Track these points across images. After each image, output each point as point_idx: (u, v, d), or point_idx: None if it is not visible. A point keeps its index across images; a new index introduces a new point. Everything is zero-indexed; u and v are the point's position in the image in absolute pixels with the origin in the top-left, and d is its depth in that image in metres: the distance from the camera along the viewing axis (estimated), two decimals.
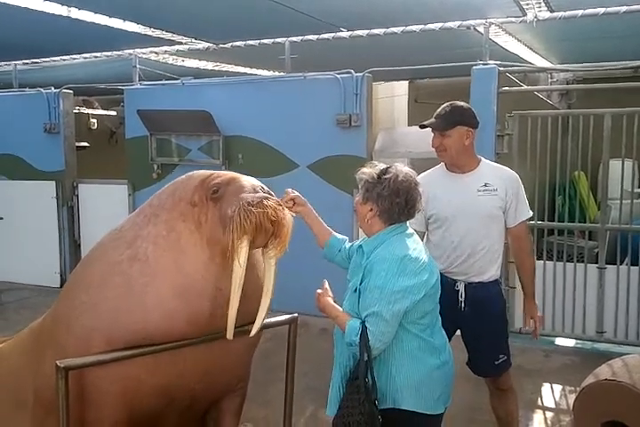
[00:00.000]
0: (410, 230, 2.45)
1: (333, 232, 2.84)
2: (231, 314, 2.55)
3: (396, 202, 2.35)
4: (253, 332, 2.66)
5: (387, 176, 2.38)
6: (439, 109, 3.11)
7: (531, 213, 3.24)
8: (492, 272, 3.10)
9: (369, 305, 2.24)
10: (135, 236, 2.70)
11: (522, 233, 3.20)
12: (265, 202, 2.49)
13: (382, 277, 2.23)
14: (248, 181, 2.65)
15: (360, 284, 2.32)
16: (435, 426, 2.42)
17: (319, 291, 2.49)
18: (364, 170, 2.45)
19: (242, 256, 2.51)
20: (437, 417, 2.38)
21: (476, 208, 3.03)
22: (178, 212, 2.67)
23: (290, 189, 2.74)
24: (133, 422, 2.75)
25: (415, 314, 2.28)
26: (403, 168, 2.43)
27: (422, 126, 3.12)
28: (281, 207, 2.55)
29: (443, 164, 3.19)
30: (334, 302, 2.44)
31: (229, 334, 2.57)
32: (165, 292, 2.58)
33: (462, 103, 3.17)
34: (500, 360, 3.12)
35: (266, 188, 2.63)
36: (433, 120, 3.08)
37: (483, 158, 3.18)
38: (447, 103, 3.14)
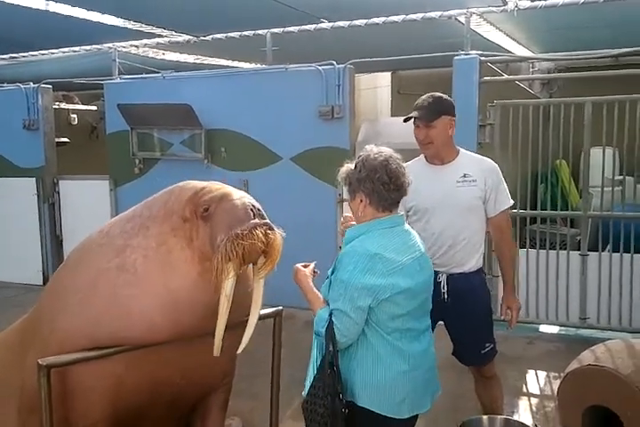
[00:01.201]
0: (403, 228, 2.37)
1: None
2: (217, 336, 2.54)
3: (377, 178, 2.27)
4: (240, 349, 2.66)
5: (359, 159, 2.34)
6: (419, 101, 3.08)
7: (511, 202, 3.23)
8: (472, 263, 3.10)
9: (334, 299, 2.23)
10: (124, 244, 2.67)
11: (502, 223, 3.19)
12: (254, 231, 2.42)
13: (349, 271, 2.19)
14: (240, 199, 2.56)
15: (331, 274, 2.29)
16: None
17: (299, 266, 2.44)
18: (342, 169, 2.41)
19: (227, 288, 2.48)
20: (401, 422, 2.28)
21: (456, 199, 3.03)
22: (169, 226, 2.64)
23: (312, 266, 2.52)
24: (118, 417, 2.74)
25: (381, 315, 2.22)
26: (373, 148, 2.38)
27: (407, 119, 3.09)
28: (271, 231, 2.49)
29: (422, 156, 3.18)
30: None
31: (216, 352, 2.56)
32: (152, 307, 2.56)
33: (441, 94, 3.15)
34: (486, 349, 3.14)
35: (257, 205, 2.56)
36: (417, 112, 3.04)
37: (461, 149, 3.18)
38: (427, 95, 3.12)
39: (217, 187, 2.70)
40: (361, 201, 2.33)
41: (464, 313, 3.08)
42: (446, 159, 3.10)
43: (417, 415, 2.35)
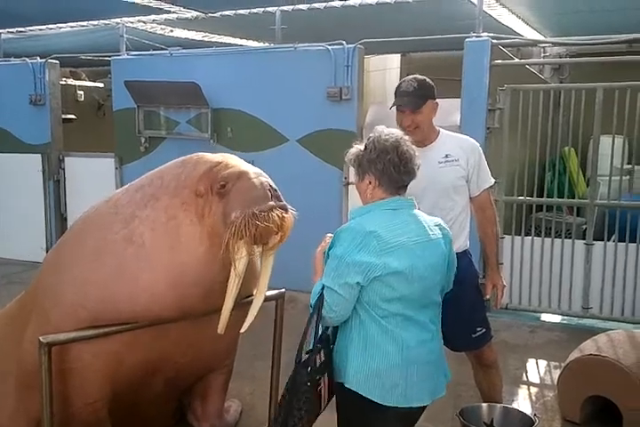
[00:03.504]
0: (410, 211, 2.32)
1: None
2: (224, 314, 2.54)
3: (388, 159, 2.25)
4: (244, 328, 2.66)
5: (370, 140, 2.32)
6: (404, 86, 3.04)
7: (493, 180, 3.23)
8: (460, 243, 3.05)
9: (326, 273, 2.21)
10: (132, 215, 2.65)
11: (485, 202, 3.18)
12: (271, 214, 2.43)
13: (343, 247, 2.17)
14: (257, 178, 2.55)
15: (329, 249, 2.27)
16: (381, 417, 2.24)
17: (322, 243, 2.40)
18: (351, 150, 2.39)
19: (240, 267, 2.49)
20: (389, 410, 2.22)
21: (440, 180, 3.00)
22: (180, 199, 2.62)
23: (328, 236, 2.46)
24: (116, 395, 2.75)
25: (373, 295, 2.19)
26: (384, 129, 2.36)
27: (399, 108, 3.04)
28: (287, 215, 2.49)
29: None
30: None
31: (221, 329, 2.56)
32: (158, 280, 2.57)
33: (422, 76, 3.12)
34: (477, 333, 3.09)
35: (274, 185, 2.55)
36: (405, 99, 3.02)
37: (441, 129, 3.15)
38: (409, 78, 3.09)
39: (233, 163, 2.66)
40: (370, 183, 2.31)
41: (453, 295, 3.06)
42: (427, 141, 3.07)
43: (411, 410, 2.28)
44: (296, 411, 2.21)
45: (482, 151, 3.17)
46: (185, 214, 2.60)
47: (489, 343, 3.17)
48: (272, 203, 2.47)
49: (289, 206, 2.53)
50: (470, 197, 3.14)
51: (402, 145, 2.29)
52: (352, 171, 3.08)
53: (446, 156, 3.03)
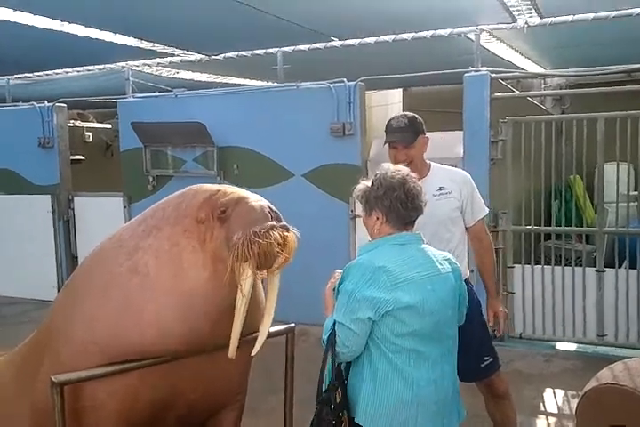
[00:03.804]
0: (418, 246, 2.34)
1: None
2: (234, 336, 2.54)
3: (394, 196, 2.29)
4: (254, 352, 2.65)
5: (376, 177, 2.36)
6: (394, 123, 3.14)
7: (487, 210, 3.29)
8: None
9: (337, 309, 2.22)
10: (136, 247, 2.66)
11: (481, 232, 3.25)
12: (271, 232, 2.45)
13: (354, 282, 2.19)
14: (257, 201, 2.59)
15: (339, 285, 2.28)
16: None
17: (332, 279, 2.41)
18: (358, 186, 2.42)
19: (246, 287, 2.49)
20: None
21: (436, 213, 3.02)
22: (182, 227, 2.64)
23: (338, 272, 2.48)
24: None
25: (385, 330, 2.19)
26: (390, 166, 2.41)
27: (392, 144, 3.12)
28: (288, 233, 2.51)
29: None
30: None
31: (232, 353, 2.55)
32: (164, 309, 2.56)
33: (411, 113, 3.23)
34: (485, 362, 3.07)
35: (274, 208, 2.58)
36: (398, 135, 3.10)
37: (432, 162, 3.22)
38: (398, 115, 3.19)
39: (232, 190, 2.71)
40: (377, 218, 2.33)
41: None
42: (420, 175, 3.10)
43: None
44: None
45: (473, 182, 3.24)
46: (187, 241, 2.62)
47: (498, 372, 3.15)
48: (272, 222, 2.49)
49: (290, 227, 2.55)
50: (466, 228, 3.20)
51: (408, 182, 2.33)
52: (358, 204, 3.12)
53: (440, 188, 3.10)
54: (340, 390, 2.24)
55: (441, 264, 2.34)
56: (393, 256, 2.24)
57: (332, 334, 2.19)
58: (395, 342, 2.19)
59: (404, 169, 2.41)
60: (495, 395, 3.16)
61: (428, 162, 3.21)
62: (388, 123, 3.17)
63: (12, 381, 3.01)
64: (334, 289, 2.33)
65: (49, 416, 2.48)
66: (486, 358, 3.08)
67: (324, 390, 2.25)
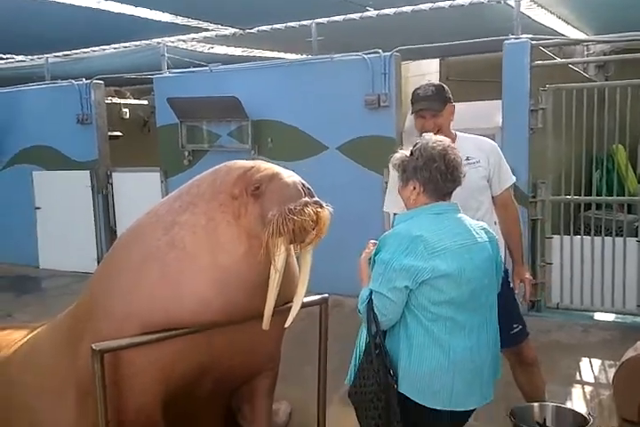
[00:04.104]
0: (455, 215, 2.32)
1: None
2: (267, 310, 2.58)
3: (434, 167, 2.27)
4: (288, 323, 2.70)
5: (417, 147, 2.33)
6: (421, 92, 3.10)
7: (514, 178, 3.28)
8: None
9: (374, 278, 2.22)
10: (173, 222, 2.71)
11: (508, 200, 3.24)
12: (306, 209, 2.47)
13: (391, 252, 2.18)
14: (290, 177, 2.61)
15: (375, 255, 2.28)
16: (428, 419, 2.24)
17: (367, 250, 2.41)
18: (396, 155, 2.40)
19: (279, 262, 2.52)
20: (433, 413, 2.22)
21: (466, 182, 2.97)
22: (217, 202, 2.67)
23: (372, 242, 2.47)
24: (169, 397, 2.79)
25: (422, 299, 2.19)
26: (432, 136, 2.39)
27: (419, 113, 3.08)
28: (322, 209, 2.53)
29: None
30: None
31: (266, 325, 2.60)
32: (201, 283, 2.61)
33: (438, 82, 3.25)
34: (515, 330, 3.07)
35: (306, 184, 2.60)
36: (426, 103, 3.07)
37: (457, 132, 3.18)
38: (425, 85, 3.16)
39: (265, 166, 2.72)
40: (414, 188, 2.32)
41: None
42: None
43: (458, 413, 2.26)
44: (393, 416, 2.21)
45: (500, 151, 3.22)
46: (222, 216, 2.65)
47: (527, 340, 3.15)
48: (306, 199, 2.51)
49: (324, 203, 2.56)
50: (492, 197, 3.18)
51: (449, 153, 2.30)
52: (393, 173, 3.09)
53: (467, 158, 3.03)
54: (380, 358, 2.25)
55: (478, 233, 2.32)
56: (430, 225, 2.23)
57: (369, 303, 2.20)
58: (431, 311, 2.19)
59: (445, 140, 2.38)
60: (524, 362, 3.16)
61: (454, 131, 3.17)
62: (414, 92, 3.15)
63: (55, 349, 3.11)
64: (370, 259, 2.33)
65: (92, 384, 2.57)
66: (515, 326, 3.08)
67: (372, 360, 2.26)
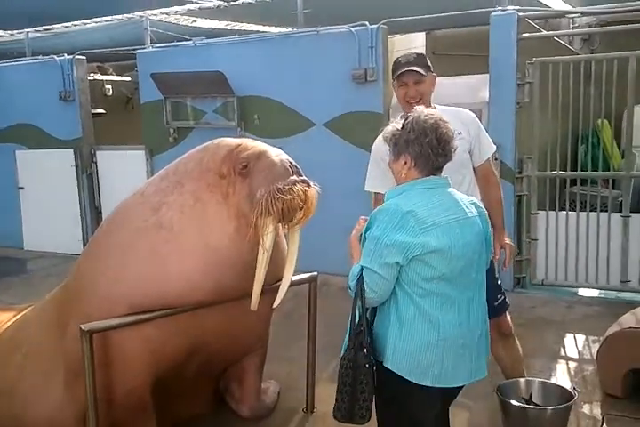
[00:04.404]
0: (445, 189, 2.30)
1: None
2: (256, 290, 2.59)
3: (426, 142, 2.24)
4: (276, 303, 2.72)
5: (408, 120, 2.29)
6: (403, 59, 3.06)
7: (494, 147, 3.26)
8: None
9: (364, 254, 2.22)
10: (160, 202, 2.70)
11: (488, 169, 3.23)
12: (294, 188, 2.49)
13: (381, 228, 2.17)
14: (278, 156, 2.62)
15: (365, 231, 2.27)
16: (417, 395, 2.25)
17: (357, 226, 2.38)
18: (387, 128, 2.37)
19: (267, 242, 2.54)
20: (423, 389, 2.22)
21: None
22: (205, 182, 2.67)
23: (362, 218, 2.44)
24: (157, 377, 2.81)
25: (412, 275, 2.18)
26: (423, 109, 2.35)
27: (402, 79, 3.02)
28: (309, 188, 2.54)
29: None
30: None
31: (254, 306, 2.60)
32: (190, 262, 2.61)
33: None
34: (498, 300, 3.08)
35: (294, 163, 2.60)
36: (409, 66, 3.00)
37: (436, 105, 3.13)
38: (406, 53, 3.13)
39: (252, 144, 2.71)
40: (405, 163, 2.29)
41: None
42: None
43: (448, 389, 2.28)
44: (360, 394, 2.22)
45: (479, 121, 3.20)
46: (211, 195, 2.65)
47: (506, 311, 3.17)
48: (294, 177, 2.52)
49: (311, 182, 2.56)
50: (473, 167, 3.17)
51: (441, 127, 2.27)
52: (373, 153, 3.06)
53: None
54: (367, 335, 2.26)
55: (468, 208, 2.32)
56: (420, 200, 2.22)
57: (360, 279, 2.20)
58: (422, 286, 2.20)
59: (436, 112, 2.34)
60: (502, 334, 3.18)
61: (433, 105, 3.11)
62: (396, 60, 3.11)
63: (42, 331, 3.11)
64: (360, 236, 2.32)
65: (81, 366, 2.57)
66: (499, 297, 3.10)
67: (353, 335, 2.27)
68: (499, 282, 3.15)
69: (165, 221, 2.66)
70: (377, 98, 5.85)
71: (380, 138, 3.01)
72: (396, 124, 2.34)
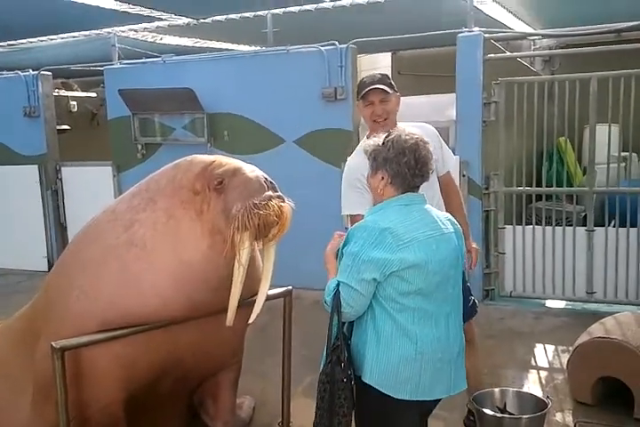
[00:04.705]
0: (422, 206, 2.34)
1: None
2: (232, 305, 2.57)
3: (404, 162, 2.27)
4: (252, 318, 2.69)
5: (390, 138, 2.32)
6: (368, 79, 3.10)
7: (454, 157, 3.43)
8: None
9: (342, 270, 2.23)
10: (132, 220, 2.67)
11: (450, 179, 3.38)
12: (269, 203, 2.50)
13: (359, 244, 2.19)
14: (253, 172, 2.62)
15: (343, 247, 2.28)
16: (395, 409, 2.26)
17: (332, 241, 2.41)
18: (369, 142, 2.40)
19: (244, 256, 2.53)
20: (401, 403, 2.23)
21: None
22: (178, 199, 2.66)
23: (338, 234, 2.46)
24: (130, 394, 2.76)
25: (390, 290, 2.20)
26: (405, 128, 2.39)
27: (368, 97, 3.05)
28: (284, 203, 2.56)
29: (366, 138, 3.13)
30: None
31: (229, 321, 2.59)
32: (162, 279, 2.59)
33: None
34: (470, 302, 3.13)
35: (269, 178, 2.61)
36: (374, 85, 3.04)
37: (399, 123, 3.17)
38: (370, 74, 3.17)
39: (227, 161, 2.72)
40: (382, 178, 2.32)
41: None
42: None
43: (425, 403, 2.30)
44: (338, 408, 2.22)
45: (439, 134, 3.31)
46: (184, 212, 2.64)
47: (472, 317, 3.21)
48: (270, 193, 2.53)
49: (285, 197, 2.58)
50: (437, 177, 3.24)
51: (420, 148, 2.30)
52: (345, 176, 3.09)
53: None
54: (344, 350, 2.26)
55: (444, 224, 2.35)
56: (398, 217, 2.25)
57: (336, 294, 2.21)
58: (399, 301, 2.21)
59: (418, 133, 2.37)
60: (467, 339, 3.20)
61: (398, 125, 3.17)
62: (361, 81, 3.15)
63: (10, 350, 3.04)
64: (337, 251, 2.34)
65: (51, 387, 2.51)
66: (471, 298, 3.14)
67: (330, 350, 2.27)
68: (467, 284, 3.17)
69: (137, 239, 2.64)
70: (346, 115, 5.92)
71: (355, 155, 3.04)
72: (378, 138, 2.37)
